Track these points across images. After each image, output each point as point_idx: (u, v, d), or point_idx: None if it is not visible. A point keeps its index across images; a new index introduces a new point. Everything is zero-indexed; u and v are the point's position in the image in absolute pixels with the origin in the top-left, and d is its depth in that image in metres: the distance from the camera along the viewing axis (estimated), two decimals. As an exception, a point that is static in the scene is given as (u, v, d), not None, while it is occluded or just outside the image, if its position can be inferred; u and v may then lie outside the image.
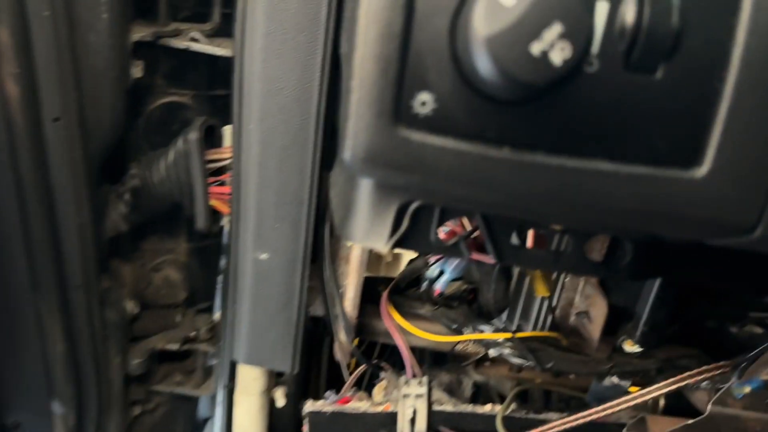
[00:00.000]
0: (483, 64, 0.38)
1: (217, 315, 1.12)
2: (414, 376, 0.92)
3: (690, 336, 0.95)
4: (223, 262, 1.12)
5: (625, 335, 0.88)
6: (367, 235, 0.54)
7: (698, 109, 0.44)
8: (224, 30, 1.02)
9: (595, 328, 0.89)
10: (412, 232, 0.55)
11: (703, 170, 0.45)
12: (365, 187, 0.53)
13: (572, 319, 0.92)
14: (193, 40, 0.99)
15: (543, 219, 0.54)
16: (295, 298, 0.86)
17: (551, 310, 0.89)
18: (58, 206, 0.88)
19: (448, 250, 0.56)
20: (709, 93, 0.43)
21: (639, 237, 0.56)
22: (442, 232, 0.55)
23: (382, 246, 0.54)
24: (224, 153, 1.01)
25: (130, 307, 1.04)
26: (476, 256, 0.57)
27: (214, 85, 1.07)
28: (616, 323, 0.91)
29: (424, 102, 0.43)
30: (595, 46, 0.42)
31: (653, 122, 0.44)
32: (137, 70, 0.98)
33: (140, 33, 0.96)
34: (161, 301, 1.09)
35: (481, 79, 0.40)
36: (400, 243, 0.55)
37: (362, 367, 0.98)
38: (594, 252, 0.58)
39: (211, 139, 1.04)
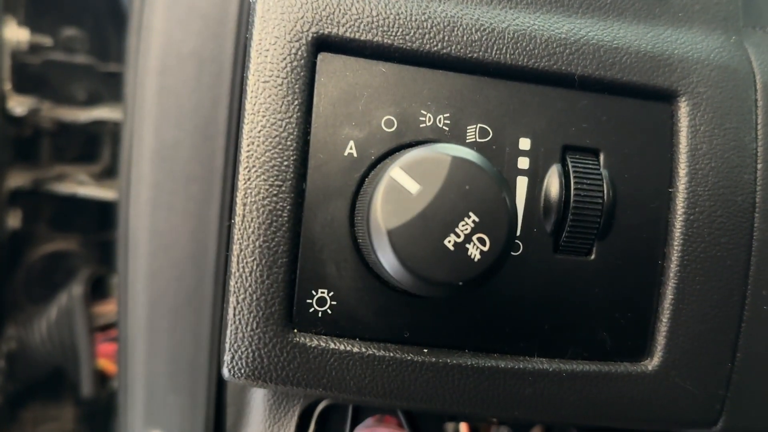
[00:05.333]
0: (388, 259, 0.31)
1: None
2: None
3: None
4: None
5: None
6: (265, 446, 0.44)
7: (641, 292, 0.38)
8: (115, 170, 0.94)
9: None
10: (321, 437, 0.45)
11: (654, 362, 0.38)
12: (259, 389, 0.43)
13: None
14: (80, 183, 0.90)
15: (476, 416, 0.46)
16: (195, 485, 0.73)
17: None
18: None
19: (366, 455, 0.47)
20: (651, 274, 0.38)
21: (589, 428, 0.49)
22: (358, 432, 0.46)
23: (284, 459, 0.44)
24: (113, 306, 0.90)
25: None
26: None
27: (105, 229, 0.96)
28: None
29: (322, 300, 0.35)
30: (518, 228, 0.36)
31: (592, 312, 0.37)
32: (15, 220, 0.87)
33: (19, 179, 0.86)
34: (41, 483, 0.92)
35: (387, 273, 0.33)
36: (307, 451, 0.45)
37: None
38: (536, 442, 0.50)
39: (100, 289, 0.93)
